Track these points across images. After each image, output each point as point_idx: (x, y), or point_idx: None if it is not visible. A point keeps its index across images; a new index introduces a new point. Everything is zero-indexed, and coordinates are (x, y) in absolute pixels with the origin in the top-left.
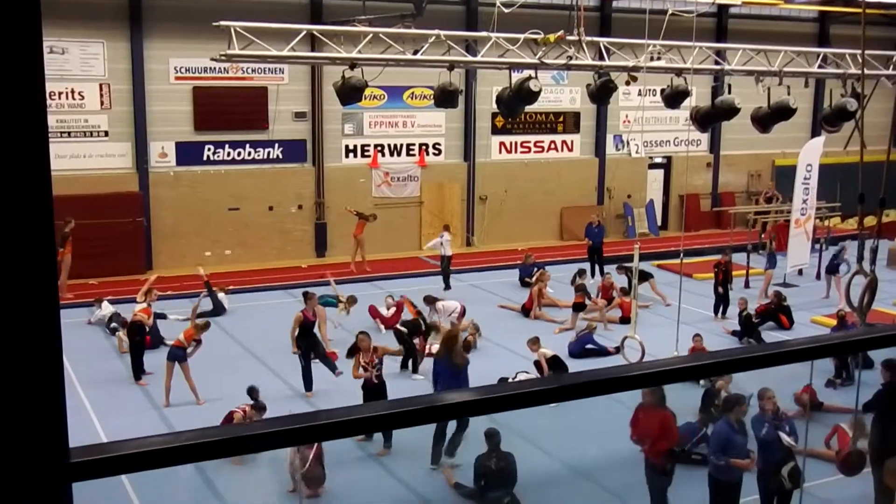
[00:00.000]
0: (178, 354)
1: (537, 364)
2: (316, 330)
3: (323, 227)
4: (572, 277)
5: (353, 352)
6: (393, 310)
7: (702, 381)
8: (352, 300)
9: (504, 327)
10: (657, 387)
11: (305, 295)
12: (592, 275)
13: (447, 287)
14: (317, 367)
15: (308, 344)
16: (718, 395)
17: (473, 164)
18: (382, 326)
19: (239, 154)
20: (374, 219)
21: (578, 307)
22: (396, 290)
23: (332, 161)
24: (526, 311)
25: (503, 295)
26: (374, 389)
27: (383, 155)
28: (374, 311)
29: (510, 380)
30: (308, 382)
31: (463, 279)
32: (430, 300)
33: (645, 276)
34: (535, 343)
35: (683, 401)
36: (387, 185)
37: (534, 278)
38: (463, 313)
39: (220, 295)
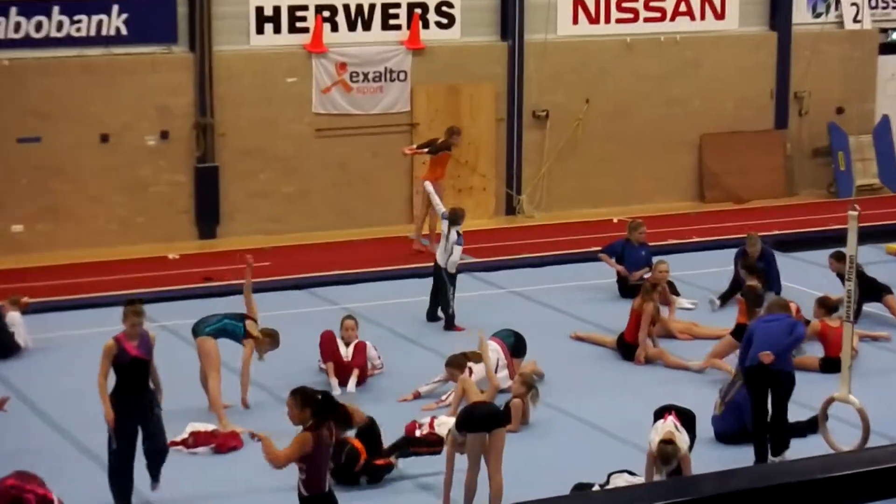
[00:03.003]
0: None
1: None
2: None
3: (211, 174)
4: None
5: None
6: (353, 346)
7: None
8: (269, 339)
9: (582, 380)
10: None
11: (129, 306)
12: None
13: (449, 325)
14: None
15: (129, 409)
16: None
17: (520, 45)
18: (335, 380)
19: (39, 27)
20: (458, 137)
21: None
22: (359, 309)
23: (230, 41)
24: (627, 346)
25: (580, 315)
26: (319, 500)
27: (335, 28)
28: (328, 343)
29: (598, 488)
30: (121, 492)
31: (500, 282)
32: (457, 364)
33: (876, 290)
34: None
35: None
36: (343, 88)
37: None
38: (515, 353)
39: (12, 316)
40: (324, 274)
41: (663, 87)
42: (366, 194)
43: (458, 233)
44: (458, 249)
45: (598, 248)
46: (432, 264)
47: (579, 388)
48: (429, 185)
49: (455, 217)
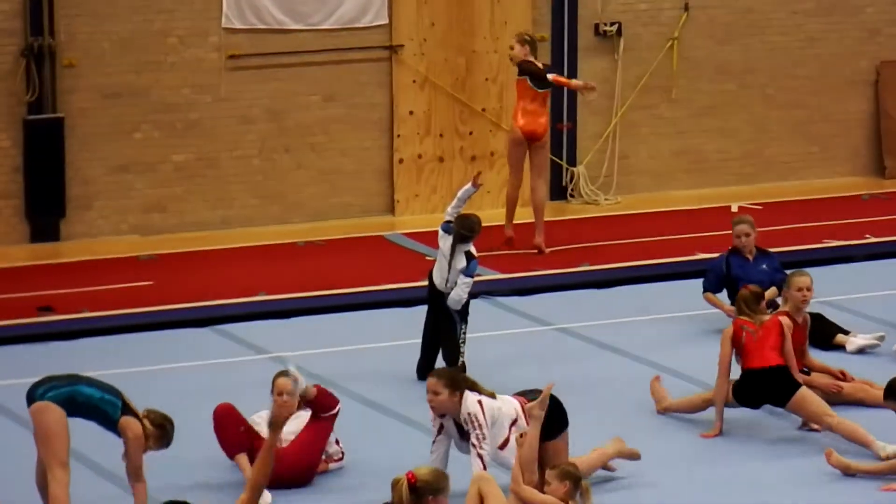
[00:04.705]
0: None
1: None
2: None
3: (52, 134)
4: None
5: None
6: (301, 420)
7: None
8: (157, 430)
9: (678, 472)
10: None
11: None
12: None
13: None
14: None
15: None
16: None
17: None
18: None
19: None
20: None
21: None
22: (303, 361)
23: None
24: (755, 375)
25: (672, 366)
26: None
27: None
28: (228, 424)
29: None
30: None
31: (540, 313)
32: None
33: None
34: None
35: None
36: None
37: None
38: (550, 429)
39: None
40: (241, 301)
41: None
42: (314, 166)
43: (468, 256)
44: (465, 284)
45: (704, 257)
46: (426, 283)
47: (672, 485)
48: (468, 189)
49: (465, 229)
